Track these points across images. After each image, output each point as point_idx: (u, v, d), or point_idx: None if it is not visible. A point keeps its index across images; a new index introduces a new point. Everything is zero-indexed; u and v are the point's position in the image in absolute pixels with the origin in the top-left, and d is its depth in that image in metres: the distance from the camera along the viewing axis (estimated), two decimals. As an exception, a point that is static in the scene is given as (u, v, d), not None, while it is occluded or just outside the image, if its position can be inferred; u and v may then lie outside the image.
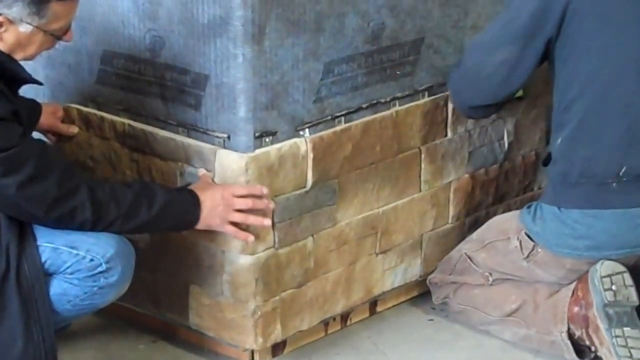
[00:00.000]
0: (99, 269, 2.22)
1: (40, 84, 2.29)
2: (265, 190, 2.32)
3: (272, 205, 2.35)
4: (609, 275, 2.48)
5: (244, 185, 2.33)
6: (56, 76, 2.61)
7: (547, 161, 2.58)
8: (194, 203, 2.29)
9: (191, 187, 2.34)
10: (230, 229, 2.32)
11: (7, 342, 2.18)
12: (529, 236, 2.56)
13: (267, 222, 2.34)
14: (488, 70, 2.48)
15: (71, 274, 2.22)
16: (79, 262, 2.21)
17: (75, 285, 2.23)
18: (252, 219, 2.31)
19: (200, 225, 2.31)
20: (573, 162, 2.46)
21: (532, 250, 2.56)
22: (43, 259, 2.21)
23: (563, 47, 2.44)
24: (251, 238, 2.33)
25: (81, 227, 2.20)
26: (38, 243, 2.21)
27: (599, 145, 2.44)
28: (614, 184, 2.45)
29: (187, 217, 2.29)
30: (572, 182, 2.47)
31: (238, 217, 2.31)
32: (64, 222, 2.18)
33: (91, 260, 2.21)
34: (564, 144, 2.48)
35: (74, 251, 2.21)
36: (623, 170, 2.43)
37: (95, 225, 2.20)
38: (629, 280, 2.48)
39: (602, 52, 2.41)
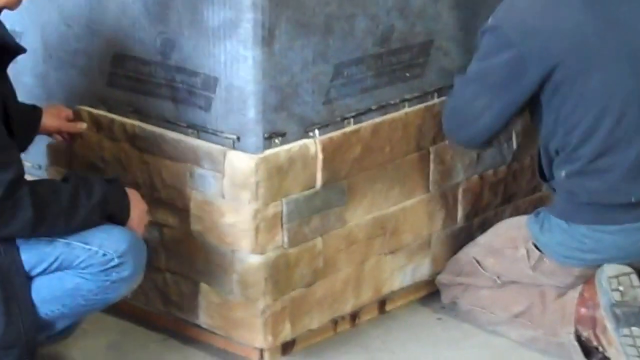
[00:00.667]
0: (112, 264, 2.24)
1: (23, 51, 2.25)
2: None
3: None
4: (616, 276, 2.48)
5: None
6: (67, 78, 2.62)
7: (541, 173, 2.58)
8: (125, 197, 2.31)
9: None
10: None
11: None
12: (536, 246, 2.56)
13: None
14: (474, 114, 2.48)
15: (84, 268, 2.24)
16: (91, 257, 2.23)
17: (88, 280, 2.25)
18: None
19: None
20: (579, 193, 2.46)
21: (539, 260, 2.56)
22: (56, 255, 2.23)
23: (551, 97, 2.42)
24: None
25: (22, 228, 2.17)
26: (52, 239, 2.22)
27: (607, 179, 2.43)
28: (623, 206, 2.45)
29: (123, 210, 2.31)
30: (580, 203, 2.47)
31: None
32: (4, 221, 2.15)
33: (104, 255, 2.23)
34: (570, 177, 2.47)
35: (87, 246, 2.23)
36: (632, 199, 2.44)
37: (37, 223, 2.17)
38: (636, 281, 2.48)
39: (600, 97, 2.39)
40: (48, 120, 2.50)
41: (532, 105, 2.49)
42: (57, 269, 2.24)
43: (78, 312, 2.30)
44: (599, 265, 2.50)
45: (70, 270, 2.24)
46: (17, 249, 2.22)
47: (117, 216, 2.31)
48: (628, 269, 2.49)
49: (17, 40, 2.30)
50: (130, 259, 2.25)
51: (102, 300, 2.28)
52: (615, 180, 2.43)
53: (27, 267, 2.23)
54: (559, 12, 2.39)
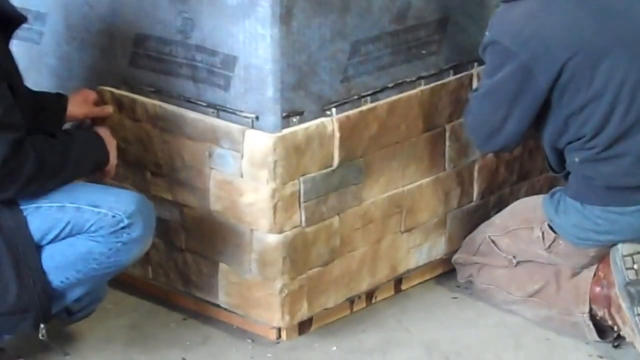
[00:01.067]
0: (122, 224, 2.28)
1: (24, 19, 2.28)
2: None
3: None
4: (631, 255, 2.50)
5: None
6: (89, 59, 2.66)
7: (550, 166, 2.61)
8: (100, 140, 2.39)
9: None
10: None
11: (1, 290, 2.25)
12: (551, 227, 2.58)
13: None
14: (497, 124, 2.50)
15: (95, 231, 2.28)
16: (101, 220, 2.27)
17: (100, 243, 2.28)
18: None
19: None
20: (593, 177, 2.49)
21: (554, 242, 2.58)
22: (67, 220, 2.28)
23: (561, 96, 2.44)
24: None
25: (27, 181, 2.22)
26: (61, 204, 2.27)
27: (621, 164, 2.46)
28: (636, 188, 2.47)
29: (102, 152, 2.38)
30: (594, 186, 2.50)
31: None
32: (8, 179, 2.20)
33: (113, 216, 2.28)
34: (584, 163, 2.49)
35: (96, 209, 2.28)
36: None
37: (41, 175, 2.23)
38: None
39: (608, 86, 2.40)
40: (74, 108, 2.53)
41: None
42: (69, 235, 2.29)
43: (92, 278, 2.33)
44: (614, 245, 2.52)
45: (82, 235, 2.29)
46: (23, 215, 2.26)
47: (100, 161, 2.38)
48: None
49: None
50: (139, 219, 2.29)
51: (115, 264, 2.32)
52: (628, 165, 2.46)
53: (39, 234, 2.27)
54: (552, 14, 2.42)
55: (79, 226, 2.27)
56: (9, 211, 2.25)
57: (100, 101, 2.60)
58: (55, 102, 2.50)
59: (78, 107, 2.53)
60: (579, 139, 2.47)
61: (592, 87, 2.41)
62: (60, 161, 2.27)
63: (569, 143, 2.50)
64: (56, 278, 2.30)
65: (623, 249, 2.50)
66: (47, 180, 2.26)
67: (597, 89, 2.41)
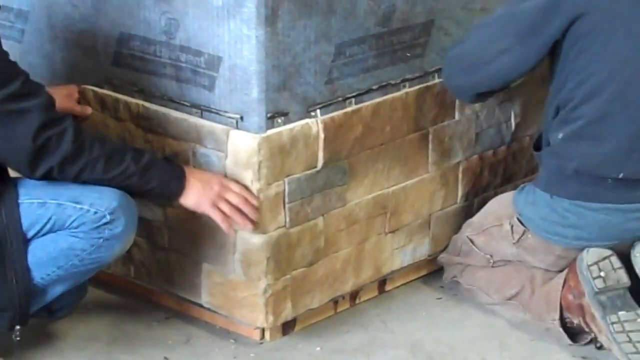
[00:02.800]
0: (103, 220, 2.27)
1: None
2: (256, 202, 2.39)
3: (256, 215, 2.39)
4: (596, 263, 2.49)
5: (241, 185, 2.39)
6: (72, 58, 2.64)
7: (537, 145, 2.59)
8: (180, 174, 2.35)
9: (188, 168, 2.39)
10: (218, 214, 2.37)
11: None
12: (520, 221, 2.58)
13: (249, 226, 2.39)
14: (487, 57, 2.46)
15: (76, 227, 2.27)
16: (83, 216, 2.27)
17: (81, 239, 2.28)
18: (238, 216, 2.37)
19: (189, 201, 2.36)
20: (572, 158, 2.47)
21: (522, 235, 2.59)
22: (48, 216, 2.27)
23: (571, 48, 2.42)
24: (232, 230, 2.39)
25: (62, 161, 2.21)
26: (43, 201, 2.26)
27: (602, 148, 2.44)
28: (609, 182, 2.46)
29: (171, 184, 2.34)
30: (567, 175, 2.48)
31: (226, 208, 2.36)
32: (47, 150, 2.19)
33: (95, 212, 2.27)
34: (566, 140, 2.47)
35: (78, 205, 2.27)
36: (621, 175, 2.44)
37: (76, 156, 2.22)
38: (617, 262, 2.49)
39: (615, 58, 2.39)
40: (59, 101, 2.48)
41: (550, 57, 2.47)
42: (50, 230, 2.28)
43: (73, 274, 2.33)
44: (581, 249, 2.51)
45: (63, 231, 2.28)
46: (18, 210, 2.25)
47: (165, 193, 2.35)
48: (607, 252, 2.50)
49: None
50: (121, 215, 2.29)
51: (97, 260, 2.31)
52: (610, 150, 2.43)
53: None
54: None
55: (61, 222, 2.27)
56: (6, 207, 2.24)
57: (82, 100, 2.58)
58: None
59: (61, 100, 2.51)
60: (570, 101, 2.44)
61: (600, 50, 2.38)
62: (105, 157, 2.25)
63: (559, 111, 2.47)
64: (37, 274, 2.29)
65: (587, 258, 2.49)
66: (83, 171, 2.24)
67: (603, 54, 2.38)
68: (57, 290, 2.35)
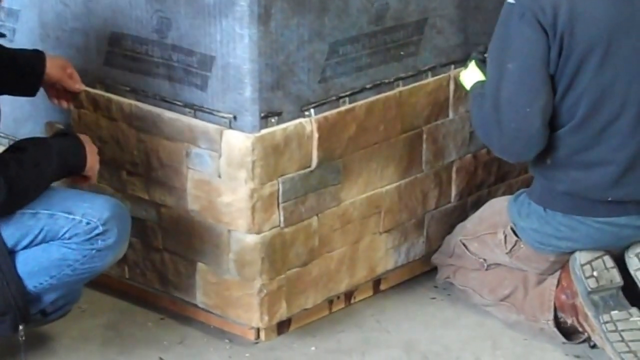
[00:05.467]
0: (96, 232, 2.26)
1: None
2: None
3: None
4: (589, 262, 2.49)
5: None
6: (65, 58, 2.61)
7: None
8: (78, 143, 2.37)
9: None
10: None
11: None
12: (514, 231, 2.58)
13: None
14: (536, 125, 2.38)
15: (69, 238, 2.26)
16: (75, 227, 2.26)
17: (74, 250, 2.27)
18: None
19: (90, 165, 2.38)
20: (561, 182, 2.47)
21: (515, 245, 2.58)
22: (40, 226, 2.26)
23: (560, 82, 2.39)
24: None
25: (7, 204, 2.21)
26: (35, 211, 2.25)
27: (589, 175, 2.43)
28: (599, 202, 2.46)
29: (75, 158, 2.35)
30: (557, 192, 2.48)
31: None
32: None
33: (87, 223, 2.26)
34: (554, 166, 2.46)
35: (70, 216, 2.26)
36: (609, 198, 2.44)
37: (11, 202, 2.22)
38: (609, 262, 2.49)
39: (602, 90, 2.37)
40: (52, 70, 2.49)
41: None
42: (43, 241, 2.27)
43: (67, 283, 2.32)
44: (573, 252, 2.51)
45: (56, 242, 2.27)
46: None
47: (77, 167, 2.36)
48: (600, 252, 2.50)
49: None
50: (114, 226, 2.28)
51: (90, 270, 2.30)
52: (598, 177, 2.42)
53: (12, 241, 2.26)
54: None
55: (53, 233, 2.26)
56: None
57: (76, 78, 2.56)
58: (34, 61, 2.47)
59: (55, 70, 2.50)
60: (556, 129, 2.42)
61: (584, 83, 2.36)
62: (32, 181, 2.25)
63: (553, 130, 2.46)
64: (30, 283, 2.28)
65: (581, 257, 2.49)
66: (20, 202, 2.24)
67: (588, 85, 2.36)
68: (51, 296, 2.35)
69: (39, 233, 2.25)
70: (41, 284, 2.29)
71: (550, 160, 2.46)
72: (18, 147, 2.29)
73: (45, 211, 2.26)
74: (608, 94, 2.38)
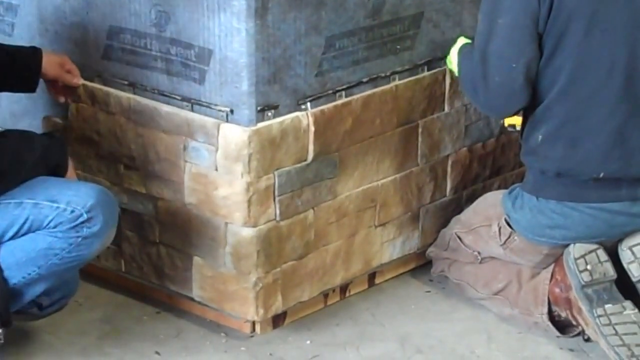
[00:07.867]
0: (81, 219, 2.25)
1: None
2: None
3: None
4: (583, 256, 2.50)
5: None
6: (63, 52, 2.62)
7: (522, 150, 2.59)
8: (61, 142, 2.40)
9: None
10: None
11: None
12: (508, 223, 2.59)
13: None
14: (519, 81, 2.41)
15: (54, 227, 2.25)
16: (60, 215, 2.25)
17: (60, 238, 2.26)
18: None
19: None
20: (552, 160, 2.48)
21: (509, 237, 2.59)
22: (25, 216, 2.25)
23: (547, 43, 2.42)
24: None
25: None
26: (19, 201, 2.25)
27: (580, 149, 2.44)
28: (592, 182, 2.47)
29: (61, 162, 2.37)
30: (550, 177, 2.50)
31: None
32: None
33: (72, 211, 2.25)
34: (545, 142, 2.47)
35: (55, 204, 2.25)
36: (602, 174, 2.45)
37: None
38: (603, 255, 2.51)
39: (589, 56, 2.40)
40: (49, 67, 2.50)
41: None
42: (29, 231, 2.26)
43: (55, 273, 2.31)
44: (568, 245, 2.52)
45: (42, 231, 2.26)
46: None
47: (59, 165, 2.36)
48: (594, 246, 2.51)
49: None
50: (99, 213, 2.27)
51: (77, 258, 2.29)
52: (588, 150, 2.44)
53: None
54: None
55: (38, 222, 2.25)
56: None
57: (75, 73, 2.57)
58: (31, 58, 2.47)
59: (52, 67, 2.50)
60: (543, 100, 2.44)
61: (575, 46, 2.38)
62: (11, 166, 2.24)
63: (535, 109, 2.47)
64: (17, 274, 2.28)
65: (574, 251, 2.51)
66: None
67: (577, 50, 2.39)
68: (38, 288, 2.33)
69: (25, 223, 2.25)
70: (29, 274, 2.28)
71: (542, 135, 2.47)
72: (1, 134, 2.29)
73: (30, 200, 2.25)
74: (594, 59, 2.40)
